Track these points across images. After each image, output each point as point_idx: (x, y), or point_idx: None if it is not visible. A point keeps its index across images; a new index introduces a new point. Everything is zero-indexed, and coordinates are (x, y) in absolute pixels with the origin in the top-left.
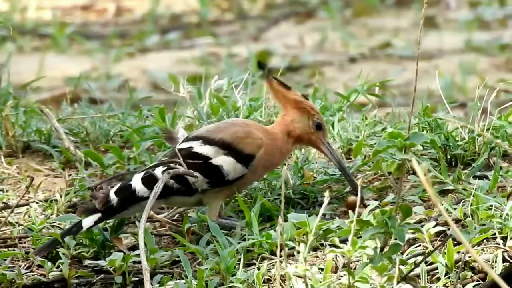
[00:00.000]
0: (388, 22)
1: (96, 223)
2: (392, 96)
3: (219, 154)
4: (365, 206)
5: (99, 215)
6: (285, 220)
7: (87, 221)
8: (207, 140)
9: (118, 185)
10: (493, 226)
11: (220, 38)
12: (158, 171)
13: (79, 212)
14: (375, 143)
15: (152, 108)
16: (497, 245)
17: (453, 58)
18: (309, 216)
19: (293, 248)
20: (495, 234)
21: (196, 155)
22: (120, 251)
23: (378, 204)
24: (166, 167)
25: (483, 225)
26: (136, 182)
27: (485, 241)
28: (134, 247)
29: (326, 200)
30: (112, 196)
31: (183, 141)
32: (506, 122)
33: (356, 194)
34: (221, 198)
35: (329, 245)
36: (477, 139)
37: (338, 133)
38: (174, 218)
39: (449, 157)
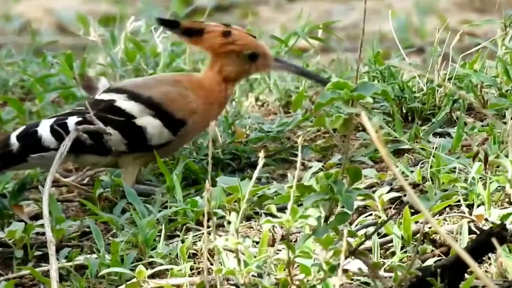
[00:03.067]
0: None
1: None
2: (338, 40)
3: (145, 114)
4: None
5: None
6: (213, 184)
7: None
8: (133, 96)
9: (22, 128)
10: (457, 191)
11: None
12: (71, 121)
13: None
14: (317, 94)
15: (58, 54)
16: (462, 214)
17: None
18: (241, 180)
19: (222, 217)
20: (459, 201)
21: (118, 110)
22: (21, 220)
23: (322, 166)
24: (80, 118)
25: (445, 190)
26: (44, 129)
27: (447, 209)
28: (38, 216)
29: (260, 162)
30: (13, 140)
31: (104, 92)
32: (470, 70)
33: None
34: (139, 163)
35: (265, 214)
36: (437, 90)
37: (275, 83)
38: (84, 182)
39: (404, 111)
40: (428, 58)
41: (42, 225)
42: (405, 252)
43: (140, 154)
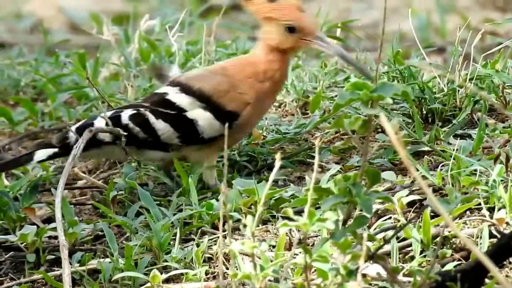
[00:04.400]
0: None
1: (50, 157)
2: (357, 39)
3: (195, 106)
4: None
5: (55, 150)
6: (230, 187)
7: (40, 154)
8: (184, 88)
9: (81, 122)
10: (478, 194)
11: None
12: (125, 114)
13: (33, 145)
14: (336, 96)
15: (71, 53)
16: (482, 218)
17: None
18: (258, 182)
19: (238, 220)
20: (480, 204)
21: (169, 103)
22: (33, 224)
23: (340, 168)
24: (135, 111)
25: (466, 193)
26: (100, 123)
27: (468, 212)
28: (50, 220)
29: (277, 164)
30: (73, 133)
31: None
32: (492, 70)
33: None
34: (211, 155)
35: (282, 217)
36: (458, 90)
37: (292, 83)
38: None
39: (424, 112)
40: (449, 58)
41: (54, 229)
42: (425, 256)
43: (198, 147)
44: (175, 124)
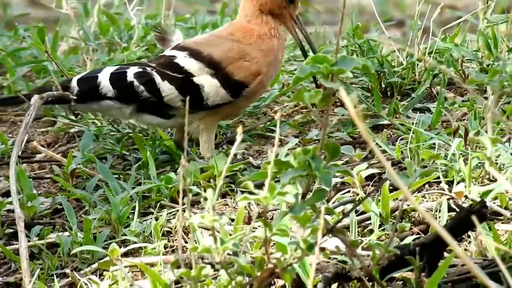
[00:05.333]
0: None
1: (47, 102)
2: (316, 13)
3: (203, 72)
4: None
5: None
6: (188, 160)
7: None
8: (194, 53)
9: (83, 73)
10: (437, 168)
11: None
12: (131, 71)
13: (33, 89)
14: (295, 69)
15: (30, 27)
16: (441, 191)
17: None
18: (217, 155)
19: (198, 194)
20: (439, 177)
21: (177, 67)
22: None
23: (300, 141)
24: (140, 69)
25: (425, 167)
26: (104, 76)
27: (427, 186)
28: (9, 193)
29: (239, 138)
30: (74, 83)
31: (171, 49)
32: (451, 44)
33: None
34: (211, 127)
35: (241, 191)
36: (417, 64)
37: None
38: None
39: (384, 86)
40: (408, 32)
41: (12, 202)
42: (383, 230)
43: (204, 113)
44: (180, 88)
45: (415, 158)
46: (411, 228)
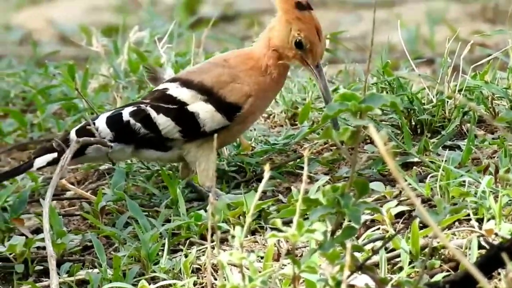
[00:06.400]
0: None
1: (49, 164)
2: (346, 51)
3: (197, 99)
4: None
5: (54, 155)
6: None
7: (40, 160)
8: (185, 82)
9: (81, 124)
10: (467, 205)
11: None
12: (126, 112)
13: (34, 152)
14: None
15: (60, 65)
16: (471, 228)
17: (418, 5)
18: (246, 193)
19: (227, 231)
20: (468, 215)
21: (170, 98)
22: (22, 234)
23: (329, 179)
24: (135, 108)
25: (455, 204)
26: (100, 122)
27: (456, 223)
28: (39, 230)
29: (266, 175)
30: (73, 135)
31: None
32: (481, 81)
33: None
34: (209, 155)
35: (270, 228)
36: (447, 102)
37: (281, 94)
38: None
39: (413, 123)
40: (438, 69)
41: (43, 239)
42: (413, 267)
43: (199, 142)
44: (176, 118)
45: (445, 195)
46: (441, 266)
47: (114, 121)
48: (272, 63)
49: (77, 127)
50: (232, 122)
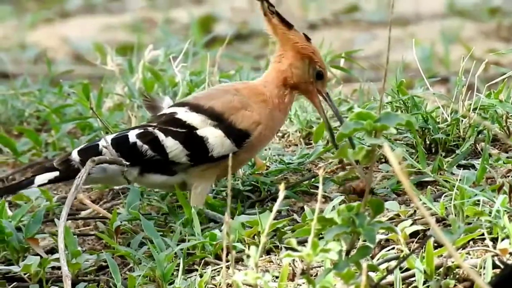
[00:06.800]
0: None
1: (50, 181)
2: (360, 70)
3: (206, 124)
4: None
5: (56, 173)
6: (232, 217)
7: (41, 178)
8: (194, 107)
9: (84, 145)
10: (481, 225)
11: (155, 0)
12: (132, 133)
13: (34, 170)
14: (339, 126)
15: (75, 83)
16: (486, 248)
17: (433, 23)
18: (261, 213)
19: (242, 251)
20: (483, 234)
21: (179, 122)
22: (37, 254)
23: (344, 198)
24: (142, 130)
25: (469, 223)
26: (104, 144)
27: (471, 242)
28: (53, 250)
29: (281, 194)
30: (75, 155)
31: (167, 108)
32: (496, 100)
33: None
34: (209, 181)
35: (285, 247)
36: (462, 120)
37: (295, 113)
38: (101, 215)
39: (428, 142)
40: (452, 88)
41: (57, 259)
42: (428, 286)
43: (205, 167)
44: (185, 142)
45: (460, 214)
46: (455, 285)
47: (120, 143)
48: (287, 101)
49: (79, 148)
50: (240, 148)
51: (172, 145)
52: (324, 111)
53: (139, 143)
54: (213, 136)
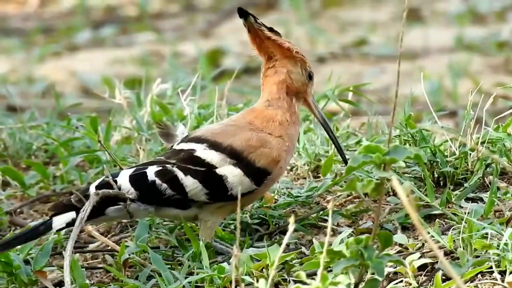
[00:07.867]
0: (364, 15)
1: (68, 225)
2: (369, 103)
3: (225, 163)
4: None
5: (73, 215)
6: (241, 250)
7: (59, 221)
8: (213, 145)
9: (100, 179)
10: (489, 258)
11: (163, 34)
12: (150, 170)
13: (51, 208)
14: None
15: (83, 117)
16: (494, 281)
17: (441, 57)
18: (270, 246)
19: (250, 284)
20: (491, 267)
21: (199, 160)
22: (45, 287)
23: (352, 231)
24: (160, 168)
25: (477, 256)
26: (123, 179)
27: (479, 275)
28: (61, 283)
29: (291, 227)
30: (92, 190)
31: (182, 141)
32: (504, 134)
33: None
34: (221, 216)
35: (294, 280)
36: (470, 154)
37: (304, 147)
38: (109, 248)
39: (436, 175)
40: (460, 122)
41: None
42: None
43: (221, 204)
44: (204, 181)
45: (468, 247)
46: None
47: (138, 180)
48: (297, 111)
49: (97, 183)
50: (259, 186)
51: (191, 184)
52: (320, 111)
53: (158, 181)
54: (232, 175)
